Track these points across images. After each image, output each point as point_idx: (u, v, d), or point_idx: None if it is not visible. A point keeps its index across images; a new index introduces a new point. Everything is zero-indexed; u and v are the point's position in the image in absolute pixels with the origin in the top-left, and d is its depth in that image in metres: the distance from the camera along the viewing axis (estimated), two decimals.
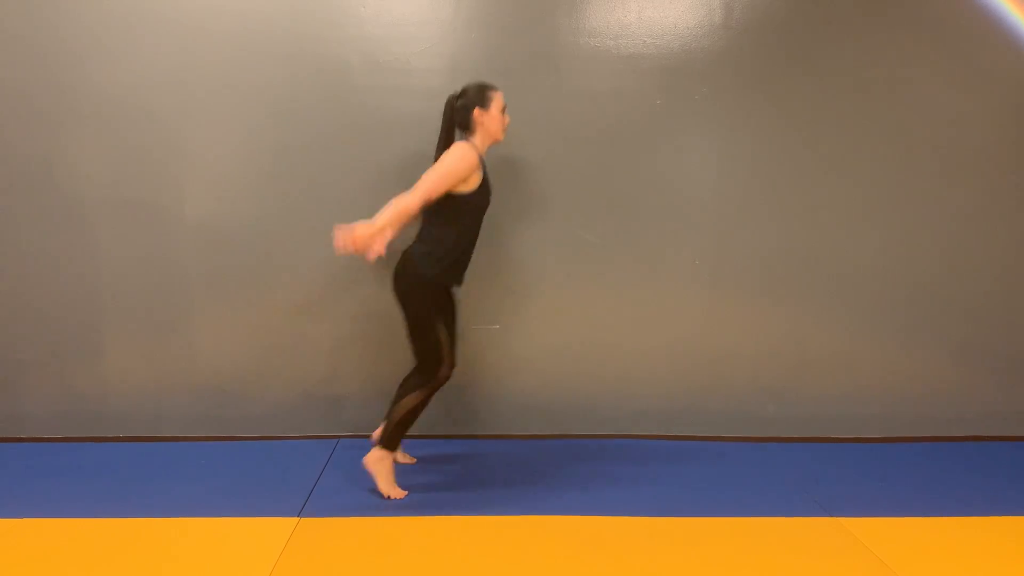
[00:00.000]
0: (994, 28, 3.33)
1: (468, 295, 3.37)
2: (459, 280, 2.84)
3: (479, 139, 2.79)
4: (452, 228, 2.72)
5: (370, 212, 3.30)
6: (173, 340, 3.37)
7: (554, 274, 3.41)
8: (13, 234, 3.28)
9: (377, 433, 2.97)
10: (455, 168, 2.64)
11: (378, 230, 2.52)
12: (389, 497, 2.77)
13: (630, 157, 3.35)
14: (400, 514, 2.64)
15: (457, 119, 2.80)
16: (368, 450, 2.91)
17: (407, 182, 3.29)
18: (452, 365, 2.80)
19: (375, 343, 3.40)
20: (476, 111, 2.75)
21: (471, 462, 3.16)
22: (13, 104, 3.20)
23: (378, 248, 2.52)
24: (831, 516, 2.67)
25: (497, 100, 2.78)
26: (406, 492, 2.81)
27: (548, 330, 3.44)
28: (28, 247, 3.29)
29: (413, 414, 2.78)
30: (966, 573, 2.31)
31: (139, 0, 3.16)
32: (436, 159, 2.74)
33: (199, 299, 3.35)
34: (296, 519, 2.59)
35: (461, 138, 2.81)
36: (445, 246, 2.72)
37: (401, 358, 3.25)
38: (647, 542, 2.45)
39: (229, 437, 3.41)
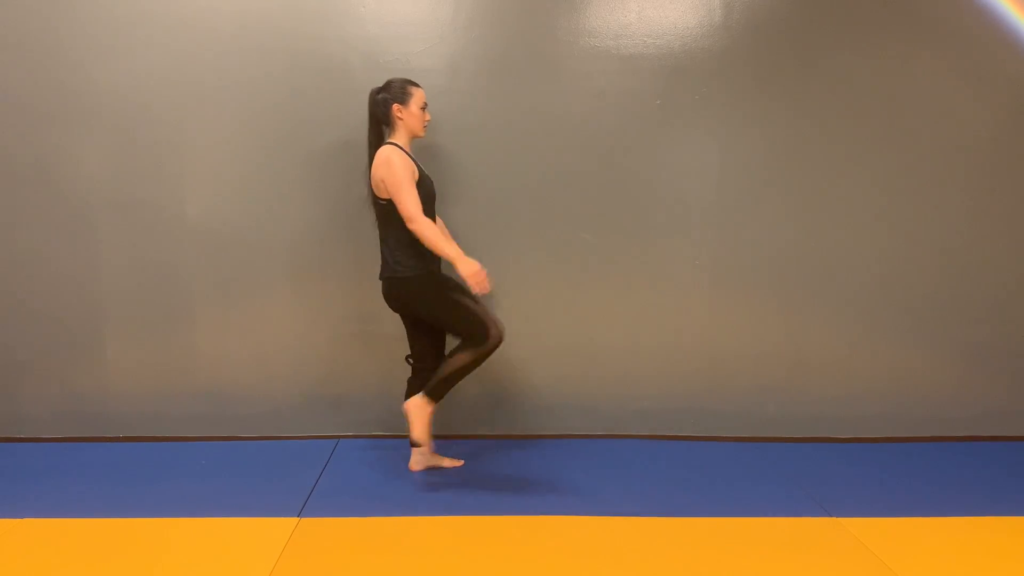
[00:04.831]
0: (994, 28, 3.33)
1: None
2: (438, 268, 2.89)
3: (401, 135, 2.83)
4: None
5: (369, 211, 3.32)
6: (173, 340, 3.37)
7: (554, 274, 3.41)
8: (13, 234, 3.29)
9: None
10: (400, 174, 2.70)
11: (460, 257, 2.69)
12: (418, 445, 2.88)
13: (630, 157, 3.35)
14: (400, 514, 2.64)
15: (379, 113, 2.82)
16: (370, 450, 2.93)
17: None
18: (498, 325, 2.79)
19: (375, 343, 3.39)
20: (395, 107, 2.79)
21: (471, 462, 3.15)
22: (12, 104, 3.20)
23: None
24: (831, 516, 2.67)
25: (417, 97, 2.83)
26: (433, 444, 2.94)
27: (548, 330, 3.44)
28: (28, 247, 3.29)
29: (462, 372, 2.80)
30: (966, 573, 2.30)
31: (138, 0, 3.17)
32: (369, 154, 2.83)
33: (199, 299, 3.35)
34: (296, 519, 2.59)
35: (386, 134, 2.87)
36: (414, 241, 2.76)
37: (400, 358, 3.26)
38: (647, 542, 2.45)
39: (229, 437, 3.41)
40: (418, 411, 2.85)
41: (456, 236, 3.31)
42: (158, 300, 3.34)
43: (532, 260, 3.39)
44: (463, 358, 2.78)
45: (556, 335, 3.45)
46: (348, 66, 3.23)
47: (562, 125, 3.32)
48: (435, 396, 2.84)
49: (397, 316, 3.41)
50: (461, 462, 3.13)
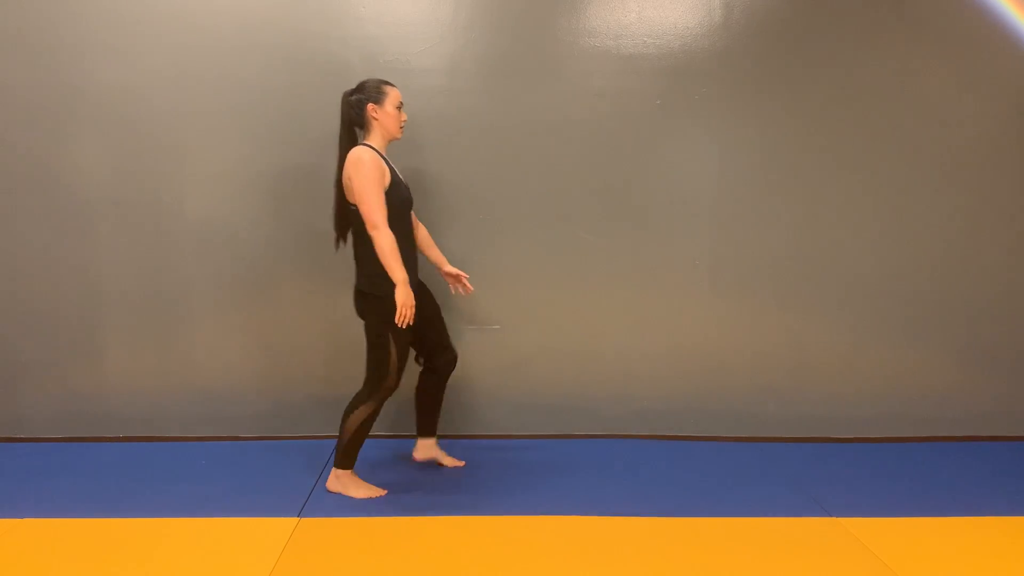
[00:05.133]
0: (994, 28, 3.33)
1: (468, 295, 3.38)
2: (414, 275, 2.76)
3: (376, 137, 2.71)
4: None
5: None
6: (173, 340, 3.37)
7: (554, 275, 3.41)
8: (13, 234, 3.28)
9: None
10: (369, 176, 2.57)
11: (403, 283, 2.58)
12: (372, 497, 2.78)
13: (630, 157, 3.35)
14: (400, 514, 2.64)
15: (352, 115, 2.71)
16: (370, 450, 2.92)
17: (408, 181, 3.31)
18: (393, 385, 2.73)
19: None
20: (370, 107, 2.68)
21: (471, 462, 3.15)
22: (14, 104, 3.20)
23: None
24: (831, 516, 2.67)
25: (392, 96, 2.70)
26: (385, 490, 2.82)
27: (548, 330, 3.44)
28: (28, 247, 3.29)
29: (364, 427, 2.75)
30: (966, 573, 2.31)
31: (140, 0, 3.17)
32: (339, 157, 2.71)
33: (199, 299, 3.35)
34: (296, 519, 2.59)
35: (361, 137, 2.75)
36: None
37: None
38: (647, 542, 2.45)
39: (229, 437, 3.41)
40: (340, 481, 2.80)
41: (454, 236, 3.32)
42: (158, 300, 3.34)
43: (532, 259, 3.39)
44: (361, 414, 2.72)
45: (556, 335, 3.45)
46: (348, 66, 3.23)
47: (562, 125, 3.32)
48: (346, 463, 2.79)
49: None
50: (462, 463, 3.12)
